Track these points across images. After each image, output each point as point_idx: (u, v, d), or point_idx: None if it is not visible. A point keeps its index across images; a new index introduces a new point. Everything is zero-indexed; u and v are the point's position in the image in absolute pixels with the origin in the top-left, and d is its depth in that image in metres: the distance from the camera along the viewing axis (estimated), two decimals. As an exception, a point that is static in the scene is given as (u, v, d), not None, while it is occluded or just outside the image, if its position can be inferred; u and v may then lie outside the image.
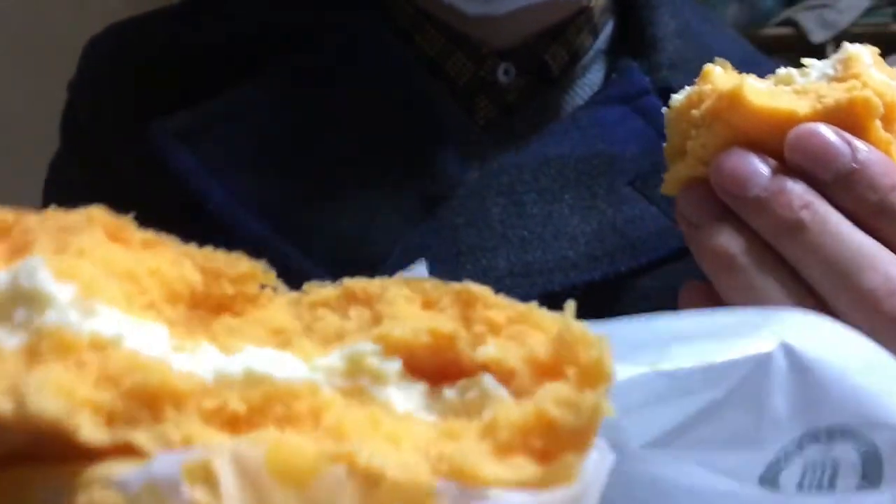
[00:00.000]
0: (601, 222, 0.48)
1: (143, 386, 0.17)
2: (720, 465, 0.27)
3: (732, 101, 0.36)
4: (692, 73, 0.52)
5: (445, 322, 0.20)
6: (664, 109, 0.40)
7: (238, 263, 0.22)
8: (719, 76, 0.38)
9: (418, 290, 0.21)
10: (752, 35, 2.47)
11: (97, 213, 0.21)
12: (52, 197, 0.60)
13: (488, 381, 0.19)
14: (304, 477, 0.16)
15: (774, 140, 0.36)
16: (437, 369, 0.20)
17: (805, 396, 0.27)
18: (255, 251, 0.22)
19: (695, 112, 0.37)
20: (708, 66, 0.38)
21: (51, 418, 0.16)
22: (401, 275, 0.22)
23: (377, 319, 0.21)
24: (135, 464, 0.16)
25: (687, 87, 0.39)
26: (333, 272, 0.47)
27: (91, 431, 0.16)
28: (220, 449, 0.16)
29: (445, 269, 0.46)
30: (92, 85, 0.56)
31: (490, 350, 0.20)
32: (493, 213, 0.48)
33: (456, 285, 0.21)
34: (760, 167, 0.35)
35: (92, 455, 0.16)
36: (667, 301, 0.39)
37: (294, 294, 0.22)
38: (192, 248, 0.22)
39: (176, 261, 0.21)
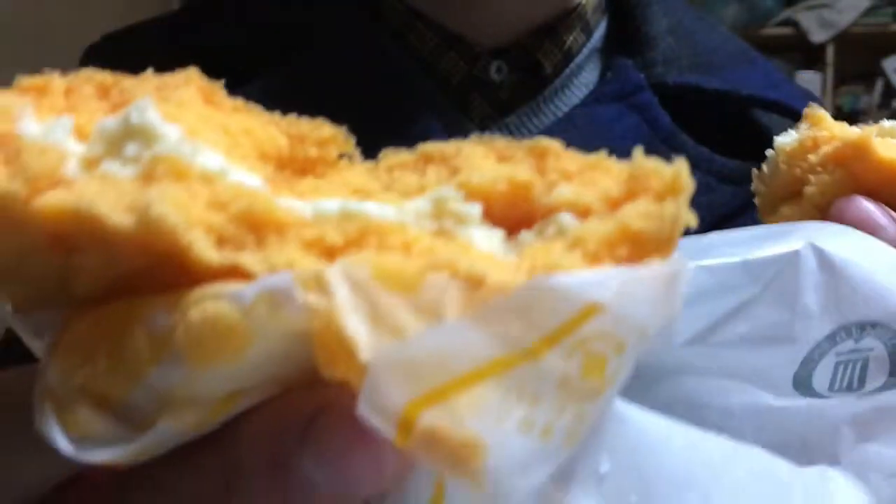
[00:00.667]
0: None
1: (250, 211, 0.18)
2: (755, 365, 0.28)
3: (858, 151, 0.35)
4: (684, 70, 0.52)
5: (521, 171, 0.21)
6: (769, 152, 0.39)
7: (321, 127, 0.22)
8: (834, 123, 0.37)
9: (492, 147, 0.22)
10: (752, 35, 2.47)
11: (193, 75, 0.21)
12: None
13: (565, 217, 0.20)
14: (410, 283, 0.16)
15: (892, 192, 0.36)
16: (513, 219, 0.20)
17: (835, 293, 0.28)
18: None
19: (812, 157, 0.37)
20: (819, 112, 0.37)
21: (169, 229, 0.16)
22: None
23: (455, 173, 0.21)
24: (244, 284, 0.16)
25: (791, 131, 0.38)
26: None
27: (204, 249, 0.17)
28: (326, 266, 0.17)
29: None
30: None
31: (565, 191, 0.20)
32: None
33: (528, 141, 0.22)
34: (884, 219, 0.35)
35: (201, 282, 0.17)
36: None
37: (370, 162, 0.22)
38: (276, 115, 0.22)
39: (264, 124, 0.22)
